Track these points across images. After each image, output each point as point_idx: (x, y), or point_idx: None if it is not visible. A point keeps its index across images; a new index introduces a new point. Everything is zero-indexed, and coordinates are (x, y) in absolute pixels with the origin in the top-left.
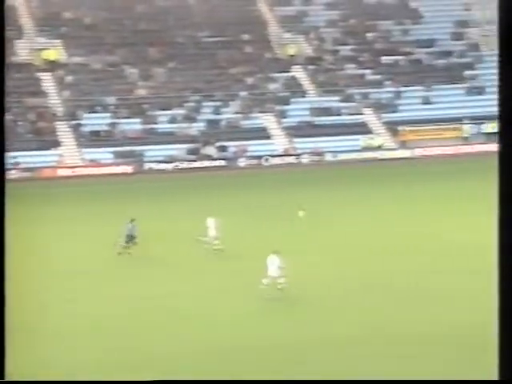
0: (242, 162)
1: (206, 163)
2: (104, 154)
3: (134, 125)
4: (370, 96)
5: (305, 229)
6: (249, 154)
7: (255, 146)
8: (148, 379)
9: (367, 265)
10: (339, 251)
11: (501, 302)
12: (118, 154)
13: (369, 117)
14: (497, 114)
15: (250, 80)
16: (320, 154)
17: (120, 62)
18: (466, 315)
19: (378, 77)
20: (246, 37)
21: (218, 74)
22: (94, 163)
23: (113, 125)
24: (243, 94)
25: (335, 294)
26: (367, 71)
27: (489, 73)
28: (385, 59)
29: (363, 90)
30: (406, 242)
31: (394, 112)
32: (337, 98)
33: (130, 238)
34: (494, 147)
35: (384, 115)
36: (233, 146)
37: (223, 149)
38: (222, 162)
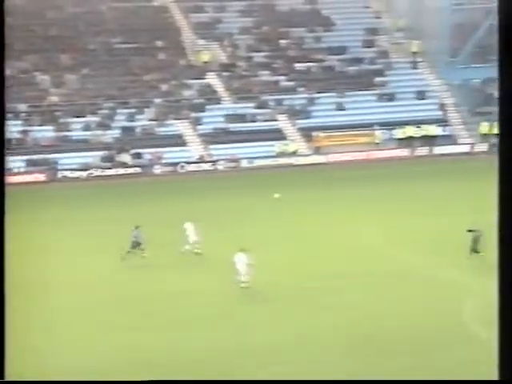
0: (157, 169)
1: (121, 170)
2: (16, 162)
3: (46, 132)
4: (283, 102)
5: (221, 233)
6: (164, 161)
7: (171, 153)
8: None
9: (284, 269)
10: (257, 255)
11: (501, 302)
12: (30, 162)
13: (283, 123)
14: (407, 119)
15: (164, 87)
16: (235, 160)
17: (31, 68)
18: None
19: (291, 83)
20: (159, 43)
21: (131, 81)
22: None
23: (25, 132)
24: (158, 100)
25: None
26: (281, 78)
27: (398, 79)
28: (298, 66)
29: (277, 97)
30: (322, 246)
31: (307, 118)
32: (251, 105)
33: (137, 244)
34: (405, 152)
35: (298, 121)
36: (148, 153)
37: (138, 156)
38: (138, 170)
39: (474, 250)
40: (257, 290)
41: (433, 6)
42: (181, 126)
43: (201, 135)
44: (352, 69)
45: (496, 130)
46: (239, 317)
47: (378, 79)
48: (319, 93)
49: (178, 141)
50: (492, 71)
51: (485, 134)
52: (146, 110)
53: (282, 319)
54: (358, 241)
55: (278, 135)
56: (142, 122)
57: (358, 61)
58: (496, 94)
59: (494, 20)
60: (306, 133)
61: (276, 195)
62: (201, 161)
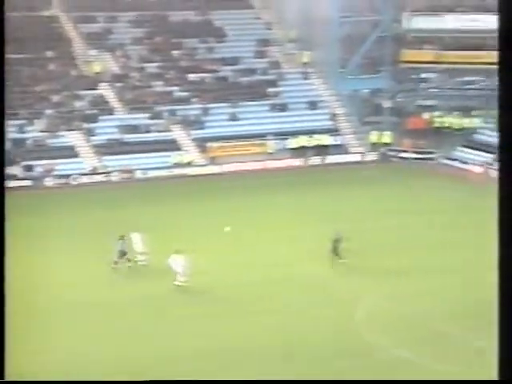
0: (49, 182)
1: (12, 183)
2: None
3: None
4: (177, 113)
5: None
6: (56, 173)
7: (63, 165)
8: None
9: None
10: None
11: (501, 302)
12: None
13: (177, 134)
14: (299, 129)
15: (55, 98)
16: (130, 171)
17: None
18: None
19: (185, 94)
20: (49, 54)
21: (21, 92)
22: None
23: None
24: (49, 111)
25: None
26: (174, 88)
27: (291, 90)
28: (191, 76)
29: (171, 107)
30: (218, 256)
31: (202, 129)
32: (145, 116)
33: (123, 254)
34: (298, 162)
35: (192, 132)
36: (39, 165)
37: (29, 168)
38: (28, 182)
39: (336, 254)
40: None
41: (322, 18)
42: (73, 138)
43: (94, 146)
44: (245, 79)
45: (385, 139)
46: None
47: (270, 89)
48: (213, 103)
49: (70, 152)
50: (380, 82)
51: (374, 143)
52: (36, 121)
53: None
54: (252, 249)
55: (172, 146)
56: (33, 133)
57: (250, 71)
58: (384, 104)
59: (380, 32)
60: (201, 143)
61: (226, 228)
62: (94, 172)
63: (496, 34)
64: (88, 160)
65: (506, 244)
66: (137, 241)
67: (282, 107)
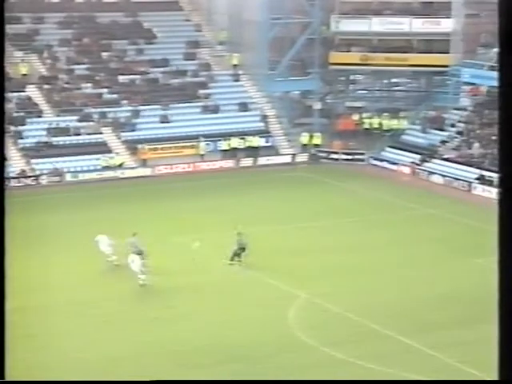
0: None
1: None
2: None
3: None
4: (108, 115)
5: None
6: None
7: None
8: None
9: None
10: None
11: (501, 302)
12: None
13: (108, 136)
14: (231, 131)
15: None
16: (60, 174)
17: None
18: None
19: (115, 96)
20: None
21: None
22: None
23: None
24: None
25: None
26: (104, 90)
27: (221, 91)
28: (121, 78)
29: (101, 109)
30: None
31: (132, 131)
32: (74, 118)
33: (140, 252)
34: (230, 163)
35: (123, 134)
36: None
37: None
38: None
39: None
40: None
41: (251, 20)
42: None
43: (22, 149)
44: (175, 81)
45: (316, 140)
46: None
47: (201, 91)
48: (143, 105)
49: None
50: (309, 84)
51: (305, 145)
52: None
53: None
54: (184, 252)
55: (103, 148)
56: None
57: (181, 73)
58: (314, 105)
59: (309, 34)
60: (132, 145)
61: (196, 244)
62: (22, 176)
63: (421, 38)
64: (16, 163)
65: (506, 244)
66: (103, 243)
67: (214, 109)
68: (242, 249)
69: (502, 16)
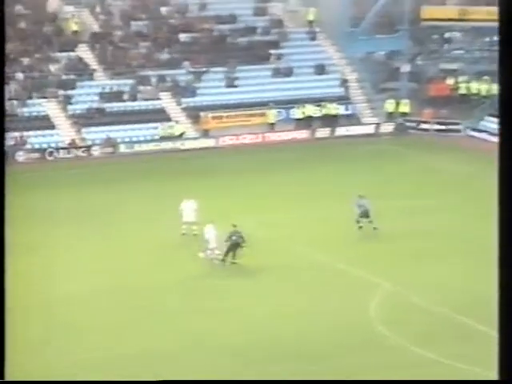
0: (20, 157)
1: None
2: None
3: None
4: (167, 78)
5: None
6: (29, 146)
7: (36, 138)
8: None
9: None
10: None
11: (501, 302)
12: None
13: (167, 102)
14: (305, 97)
15: (26, 60)
16: (113, 145)
17: None
18: None
19: (175, 56)
20: (19, 9)
21: None
22: None
23: None
24: (19, 76)
25: None
26: (163, 50)
27: (295, 52)
28: (182, 37)
29: (159, 72)
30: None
31: (194, 96)
32: (130, 81)
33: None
34: (304, 134)
35: (183, 100)
36: (9, 137)
37: None
38: None
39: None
40: None
41: None
42: (47, 106)
43: (71, 116)
44: (243, 40)
45: (403, 108)
46: None
47: (272, 51)
48: (207, 67)
49: (44, 123)
50: (397, 43)
51: (390, 113)
52: (4, 86)
53: None
54: (255, 234)
55: (161, 116)
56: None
57: (249, 31)
58: (402, 68)
59: None
60: (193, 113)
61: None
62: (72, 146)
63: None
64: (65, 132)
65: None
66: (187, 210)
67: (286, 72)
68: (236, 244)
69: (502, 16)
